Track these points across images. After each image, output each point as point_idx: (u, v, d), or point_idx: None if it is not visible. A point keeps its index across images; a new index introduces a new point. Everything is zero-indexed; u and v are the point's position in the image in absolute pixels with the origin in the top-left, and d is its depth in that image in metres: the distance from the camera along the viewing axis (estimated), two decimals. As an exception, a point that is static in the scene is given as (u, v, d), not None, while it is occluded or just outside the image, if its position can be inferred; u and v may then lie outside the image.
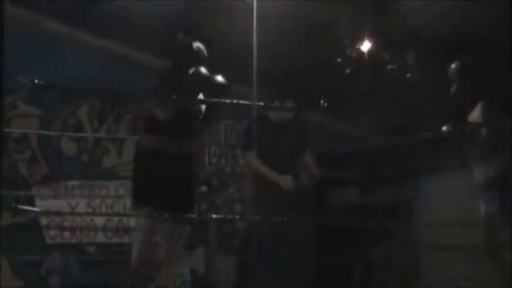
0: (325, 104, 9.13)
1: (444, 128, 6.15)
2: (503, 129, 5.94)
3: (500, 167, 5.88)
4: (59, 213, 8.74)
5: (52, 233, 8.58)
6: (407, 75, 8.90)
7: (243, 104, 7.52)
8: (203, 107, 5.78)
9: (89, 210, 8.85)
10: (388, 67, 9.12)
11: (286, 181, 6.81)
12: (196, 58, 5.80)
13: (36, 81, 5.93)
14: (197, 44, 5.85)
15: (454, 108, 6.08)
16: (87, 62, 8.54)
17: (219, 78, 5.72)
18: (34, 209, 5.66)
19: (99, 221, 8.86)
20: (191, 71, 5.69)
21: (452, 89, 6.07)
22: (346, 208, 8.64)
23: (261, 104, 8.11)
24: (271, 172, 6.86)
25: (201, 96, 5.69)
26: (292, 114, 7.21)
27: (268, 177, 6.85)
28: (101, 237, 8.86)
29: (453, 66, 6.19)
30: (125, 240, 8.74)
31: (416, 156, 8.18)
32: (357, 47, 9.17)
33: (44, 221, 8.54)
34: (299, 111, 6.72)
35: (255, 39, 7.62)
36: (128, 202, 8.81)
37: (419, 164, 8.27)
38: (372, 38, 9.15)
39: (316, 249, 7.15)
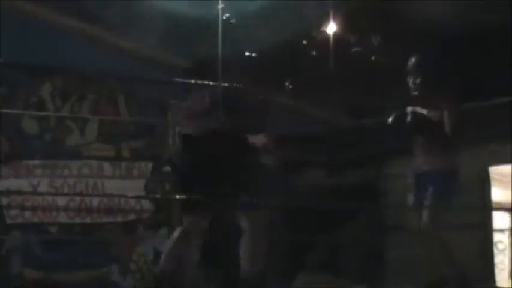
0: (291, 86, 9.11)
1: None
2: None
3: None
4: (19, 193, 8.66)
5: (13, 212, 8.49)
6: (373, 57, 8.92)
7: (208, 85, 7.54)
8: None
9: (51, 190, 8.77)
10: (354, 49, 9.13)
11: None
12: None
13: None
14: None
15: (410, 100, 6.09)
16: (52, 42, 8.43)
17: None
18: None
19: (61, 200, 8.79)
20: None
21: (410, 81, 6.08)
22: (313, 190, 8.68)
23: (226, 85, 8.10)
24: None
25: None
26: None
27: None
28: (63, 217, 8.79)
29: (412, 59, 6.20)
30: (87, 220, 8.69)
31: (383, 138, 8.24)
32: (323, 29, 9.16)
33: (4, 200, 8.45)
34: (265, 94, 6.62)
35: (220, 21, 7.61)
36: (91, 181, 8.82)
37: (386, 146, 8.33)
38: (337, 20, 9.15)
39: (283, 231, 7.19)
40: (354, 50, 9.02)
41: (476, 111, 7.40)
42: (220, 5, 6.80)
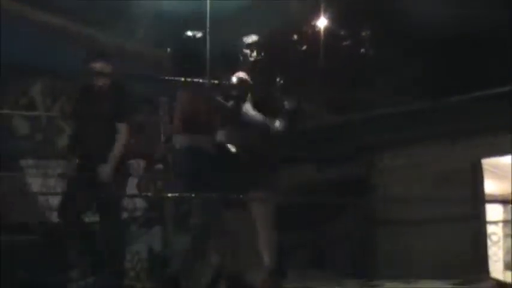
0: (281, 81, 9.09)
1: None
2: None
3: None
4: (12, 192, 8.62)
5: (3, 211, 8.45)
6: (362, 51, 8.91)
7: (197, 82, 7.53)
8: None
9: (44, 189, 8.75)
10: (343, 43, 9.11)
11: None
12: None
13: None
14: None
15: None
16: (41, 41, 8.40)
17: None
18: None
19: (54, 200, 8.76)
20: None
21: None
22: (302, 185, 8.67)
23: (215, 81, 8.08)
24: None
25: None
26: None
27: None
28: (56, 217, 8.77)
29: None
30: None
31: (371, 132, 8.24)
32: (313, 23, 9.15)
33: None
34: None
35: (208, 15, 7.58)
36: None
37: (375, 140, 8.33)
38: (327, 15, 9.14)
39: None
40: (342, 44, 9.01)
41: (469, 103, 7.39)
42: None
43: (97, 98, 6.59)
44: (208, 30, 7.15)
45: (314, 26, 9.01)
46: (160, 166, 9.16)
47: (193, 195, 9.07)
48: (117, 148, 6.56)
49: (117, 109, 6.61)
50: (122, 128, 6.62)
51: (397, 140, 8.26)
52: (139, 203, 8.91)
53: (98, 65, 6.63)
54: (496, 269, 9.02)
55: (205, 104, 6.08)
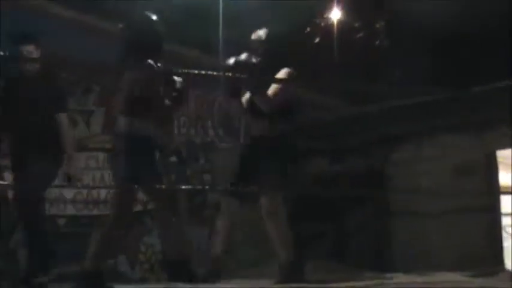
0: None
1: None
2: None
3: None
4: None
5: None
6: (377, 42, 8.89)
7: (212, 75, 7.50)
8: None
9: (58, 182, 8.76)
10: (358, 35, 9.09)
11: None
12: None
13: (1, 53, 5.84)
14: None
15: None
16: (56, 34, 8.39)
17: None
18: (1, 182, 5.57)
19: (69, 193, 8.79)
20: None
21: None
22: (317, 178, 8.67)
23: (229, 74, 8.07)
24: None
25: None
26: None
27: None
28: (70, 210, 8.80)
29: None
30: (95, 212, 8.69)
31: (387, 124, 8.22)
32: (326, 16, 9.14)
33: (12, 193, 8.44)
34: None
35: (221, 10, 7.59)
36: (98, 173, 8.81)
37: (390, 132, 8.31)
38: (341, 6, 9.12)
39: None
40: (357, 35, 8.99)
41: (484, 95, 7.37)
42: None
43: (25, 86, 6.08)
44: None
45: (328, 17, 9.00)
46: (174, 158, 9.18)
47: (206, 187, 9.14)
48: (68, 144, 6.15)
49: (50, 98, 6.09)
50: (63, 119, 6.16)
51: (412, 132, 8.24)
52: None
53: (25, 49, 6.07)
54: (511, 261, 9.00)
55: (153, 87, 5.60)
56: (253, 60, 6.01)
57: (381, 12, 8.85)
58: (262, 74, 6.04)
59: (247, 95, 6.22)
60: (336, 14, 9.13)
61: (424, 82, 8.11)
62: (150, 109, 5.52)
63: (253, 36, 6.27)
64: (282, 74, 6.06)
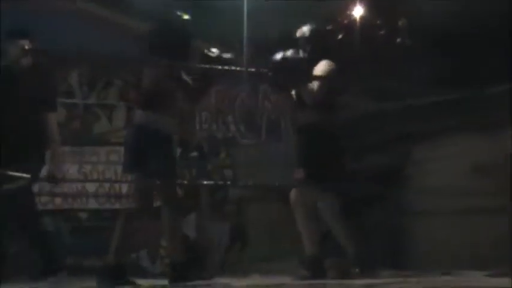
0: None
1: None
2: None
3: None
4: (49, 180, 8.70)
5: (43, 199, 8.55)
6: (398, 40, 8.88)
7: (234, 70, 7.56)
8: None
9: (80, 176, 8.85)
10: (380, 32, 9.09)
11: None
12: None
13: (26, 46, 5.86)
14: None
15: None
16: (77, 29, 8.46)
17: None
18: (24, 175, 5.61)
19: (91, 187, 8.87)
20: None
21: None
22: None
23: (252, 70, 8.12)
24: None
25: None
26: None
27: None
28: (92, 204, 8.88)
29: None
30: (117, 206, 8.75)
31: (407, 122, 8.22)
32: (349, 12, 9.13)
33: (35, 187, 8.51)
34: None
35: (245, 6, 7.63)
36: (120, 168, 8.88)
37: (410, 130, 8.30)
38: (363, 3, 9.12)
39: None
40: (379, 33, 8.98)
41: (504, 94, 7.36)
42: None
43: (16, 81, 5.81)
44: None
45: (351, 14, 9.00)
46: (195, 153, 9.23)
47: (228, 182, 9.19)
48: (54, 146, 5.89)
49: (41, 95, 5.81)
50: (51, 119, 5.87)
51: (431, 131, 8.23)
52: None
53: (19, 43, 5.81)
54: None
55: (170, 83, 5.60)
56: (300, 56, 6.16)
57: (402, 10, 8.83)
58: (307, 69, 6.18)
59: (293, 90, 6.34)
60: (358, 12, 9.13)
61: (445, 81, 8.09)
62: (169, 104, 5.60)
63: (298, 34, 6.39)
64: (322, 65, 6.18)
